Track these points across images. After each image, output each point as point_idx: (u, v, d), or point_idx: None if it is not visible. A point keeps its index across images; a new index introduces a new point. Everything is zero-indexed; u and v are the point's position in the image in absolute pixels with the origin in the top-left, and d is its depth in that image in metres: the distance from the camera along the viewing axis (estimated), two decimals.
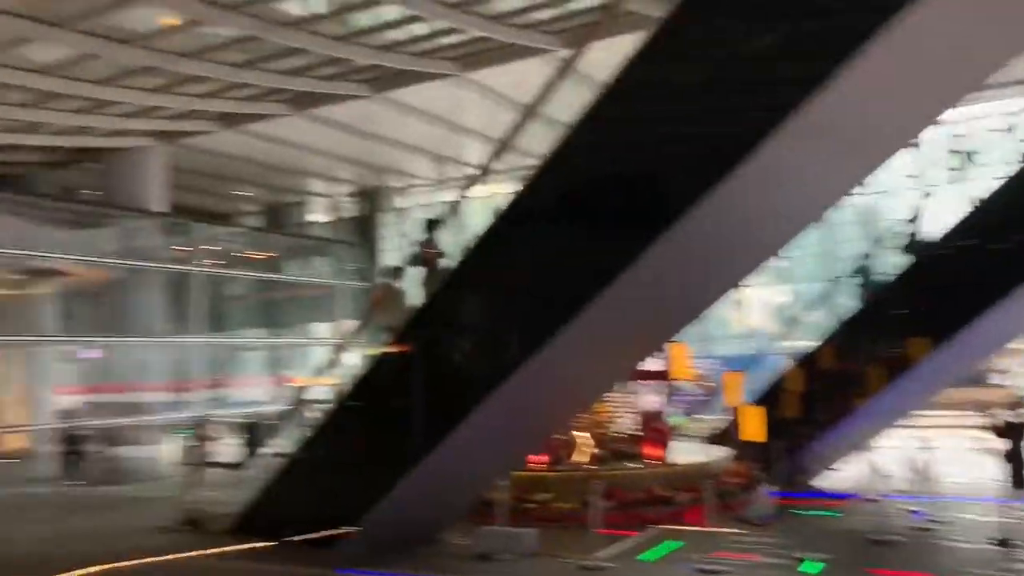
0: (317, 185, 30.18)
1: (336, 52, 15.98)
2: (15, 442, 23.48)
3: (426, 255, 10.25)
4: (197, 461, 13.81)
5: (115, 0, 12.77)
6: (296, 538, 10.79)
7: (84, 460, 22.07)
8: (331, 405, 10.96)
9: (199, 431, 15.44)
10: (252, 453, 12.41)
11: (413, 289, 10.48)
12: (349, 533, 10.13)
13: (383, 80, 18.57)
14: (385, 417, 10.00)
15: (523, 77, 13.37)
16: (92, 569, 9.51)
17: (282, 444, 11.97)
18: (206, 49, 15.20)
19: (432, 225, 10.39)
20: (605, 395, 13.51)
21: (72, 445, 22.99)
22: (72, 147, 21.10)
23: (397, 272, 11.03)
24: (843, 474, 15.02)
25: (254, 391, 27.28)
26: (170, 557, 10.33)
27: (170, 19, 13.83)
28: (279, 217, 31.78)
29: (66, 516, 14.77)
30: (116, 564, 9.84)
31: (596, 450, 12.86)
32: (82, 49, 14.66)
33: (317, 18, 14.59)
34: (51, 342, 24.29)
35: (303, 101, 19.63)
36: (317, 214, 32.70)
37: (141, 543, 11.69)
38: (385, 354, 9.99)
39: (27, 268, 22.76)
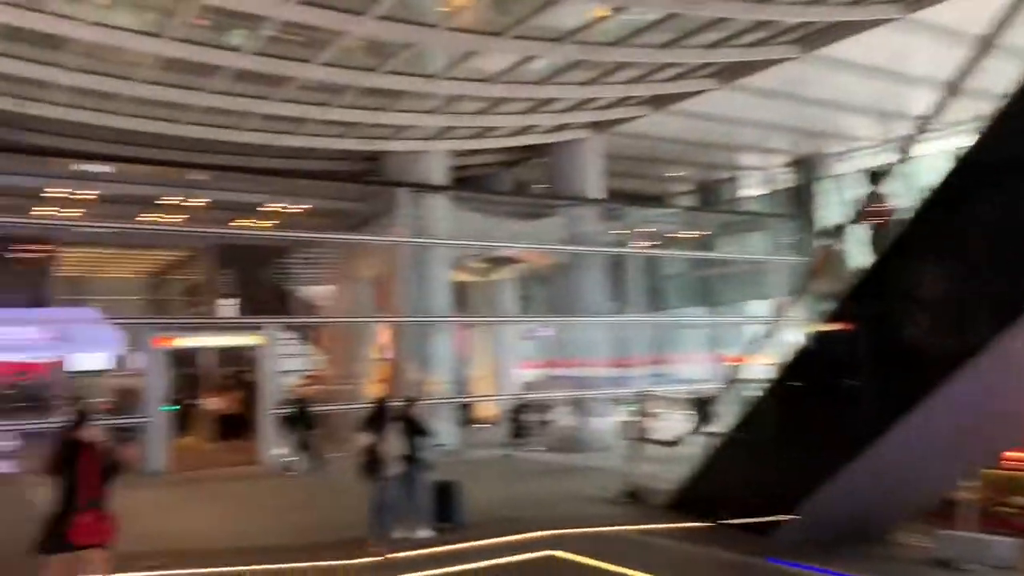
0: (749, 158, 29.38)
1: (760, 15, 15.19)
2: (487, 411, 26.71)
3: (872, 211, 9.08)
4: (637, 436, 14.22)
5: (544, 2, 13.51)
6: (731, 521, 10.56)
7: (539, 429, 24.44)
8: (769, 384, 10.45)
9: (640, 407, 15.94)
10: (696, 430, 12.37)
11: (857, 252, 9.42)
12: (785, 520, 9.56)
13: (813, 37, 17.25)
14: (826, 398, 9.21)
15: (974, 6, 11.30)
16: (538, 534, 10.30)
17: (719, 423, 11.80)
18: (631, 35, 15.49)
19: (877, 177, 9.14)
20: None
21: (524, 414, 25.64)
22: (519, 146, 23.14)
23: (838, 232, 10.05)
24: None
25: (692, 368, 27.57)
26: (608, 528, 10.78)
27: (599, 10, 14.23)
28: (711, 194, 31.59)
29: (522, 479, 16.36)
30: (558, 531, 10.51)
31: None
32: (521, 53, 15.89)
33: None
34: (511, 322, 27.14)
35: (730, 72, 19.11)
36: (750, 188, 31.90)
37: (583, 511, 12.45)
38: (827, 328, 9.17)
39: (490, 257, 25.80)
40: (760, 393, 10.51)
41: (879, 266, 8.79)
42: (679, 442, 12.86)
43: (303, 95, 17.09)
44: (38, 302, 23.64)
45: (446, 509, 10.74)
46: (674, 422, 15.67)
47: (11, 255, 23.68)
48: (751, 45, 17.18)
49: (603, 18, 14.50)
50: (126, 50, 14.71)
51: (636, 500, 13.11)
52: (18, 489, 13.53)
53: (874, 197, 9.09)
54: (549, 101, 19.37)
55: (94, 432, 7.08)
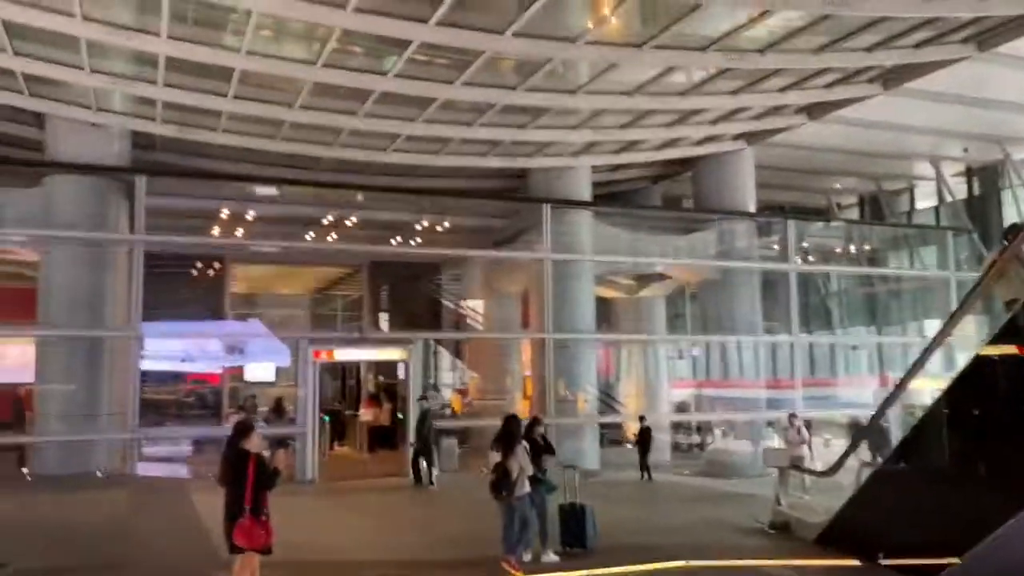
0: (920, 167, 27.40)
1: (927, 12, 14.06)
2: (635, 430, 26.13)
3: None
4: (788, 462, 13.40)
5: (687, 10, 13.09)
6: (886, 561, 9.70)
7: (689, 451, 23.70)
8: (936, 410, 9.51)
9: (792, 431, 15.04)
10: (849, 457, 11.51)
11: None
12: (947, 565, 8.63)
13: (989, 34, 15.82)
14: (1003, 427, 8.24)
15: None
16: (672, 564, 9.81)
17: (878, 451, 10.89)
18: (780, 40, 14.75)
19: None
20: None
21: (676, 436, 24.91)
22: (668, 160, 22.62)
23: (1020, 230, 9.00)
24: None
25: (856, 391, 25.89)
26: (749, 561, 10.13)
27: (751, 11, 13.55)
28: (878, 207, 29.67)
29: (665, 504, 15.80)
30: (695, 561, 9.98)
31: None
32: (664, 64, 15.49)
33: None
34: (660, 340, 26.48)
35: (897, 76, 17.86)
36: (922, 200, 29.73)
37: (725, 541, 11.80)
38: (1003, 348, 8.22)
39: (638, 274, 25.33)
40: (926, 420, 9.57)
41: None
42: (834, 471, 11.96)
43: (446, 115, 17.43)
44: (214, 316, 25.36)
45: (574, 532, 10.45)
46: (830, 448, 14.68)
47: (190, 272, 25.54)
48: (917, 46, 15.96)
49: (750, 24, 13.83)
50: (283, 78, 15.52)
51: (784, 532, 12.34)
52: (188, 495, 14.46)
53: None
54: (696, 112, 18.80)
55: (256, 442, 7.52)
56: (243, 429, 7.65)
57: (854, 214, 30.85)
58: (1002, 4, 14.19)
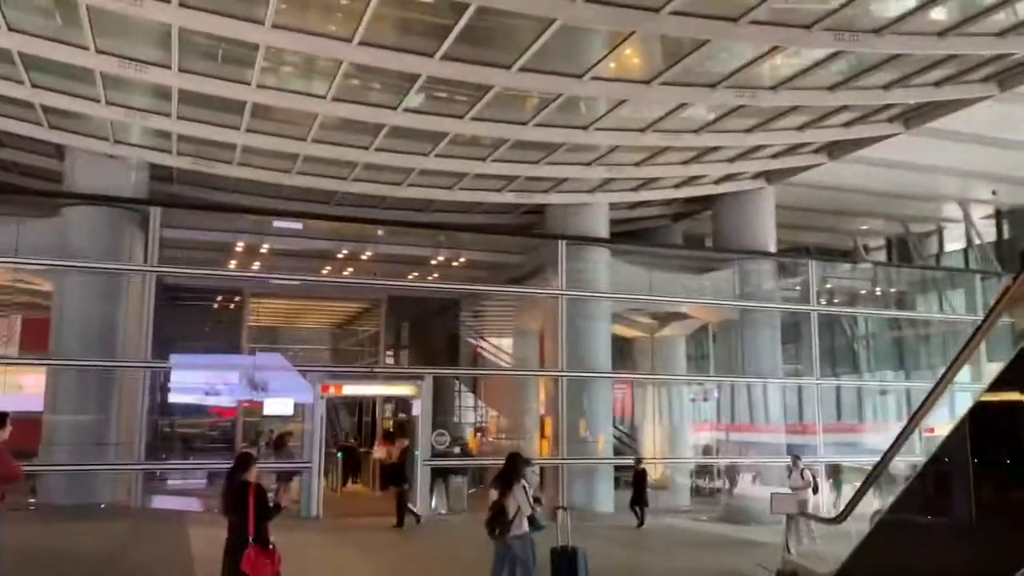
0: (947, 209, 26.83)
1: (943, 49, 13.78)
2: (655, 473, 25.58)
3: None
4: (791, 509, 12.93)
5: (692, 46, 12.98)
6: None
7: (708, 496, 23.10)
8: (937, 457, 9.06)
9: (801, 477, 14.53)
10: (854, 504, 11.02)
11: None
12: None
13: (1011, 73, 15.49)
14: (1002, 479, 7.81)
15: None
16: None
17: (883, 499, 10.40)
18: (793, 76, 14.55)
19: None
20: None
21: (697, 480, 24.32)
22: (687, 198, 22.40)
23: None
24: None
25: (881, 437, 25.14)
26: None
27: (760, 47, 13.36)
28: (906, 249, 29.07)
29: (673, 550, 15.34)
30: None
31: None
32: (676, 100, 15.34)
33: (909, 14, 12.73)
34: (676, 380, 25.99)
35: (919, 115, 17.55)
36: (952, 242, 29.06)
37: None
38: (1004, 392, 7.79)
39: (657, 313, 24.99)
40: (928, 467, 9.11)
41: None
42: (842, 518, 11.45)
43: (458, 150, 17.43)
44: (231, 349, 25.41)
45: None
46: (833, 494, 14.18)
47: (208, 305, 25.70)
48: (937, 84, 15.66)
49: (760, 60, 13.66)
50: (295, 111, 15.62)
51: None
52: (186, 526, 14.31)
53: None
54: (713, 150, 18.60)
55: (257, 473, 7.79)
56: (243, 461, 7.90)
57: (882, 256, 30.27)
58: (1022, 42, 13.87)
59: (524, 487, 9.91)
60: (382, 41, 12.59)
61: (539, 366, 23.76)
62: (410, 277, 23.30)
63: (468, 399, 29.78)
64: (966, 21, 12.94)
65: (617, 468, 23.97)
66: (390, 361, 26.78)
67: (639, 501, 17.96)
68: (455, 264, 22.52)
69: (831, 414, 25.23)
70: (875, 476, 10.65)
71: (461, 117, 15.31)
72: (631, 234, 24.84)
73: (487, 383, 27.40)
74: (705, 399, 26.86)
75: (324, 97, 14.52)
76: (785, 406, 23.61)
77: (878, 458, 10.41)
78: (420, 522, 16.64)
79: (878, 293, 27.45)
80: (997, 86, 15.88)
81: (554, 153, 17.88)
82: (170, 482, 22.10)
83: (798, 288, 23.80)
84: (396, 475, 21.08)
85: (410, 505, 16.75)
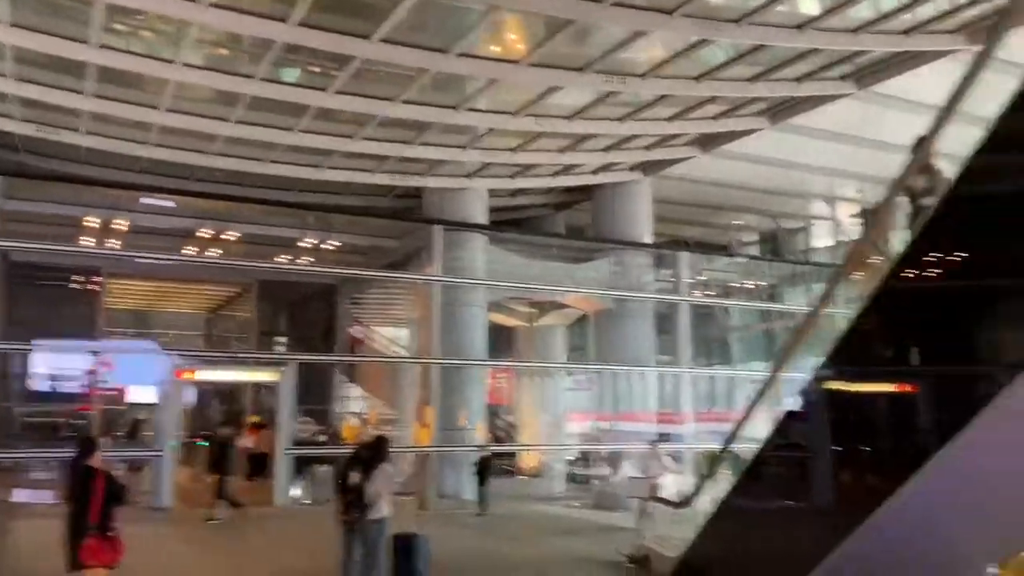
0: (816, 207, 27.82)
1: (800, 42, 14.07)
2: (529, 461, 25.59)
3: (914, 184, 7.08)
4: (643, 494, 13.01)
5: (558, 27, 12.83)
6: None
7: (582, 484, 23.20)
8: (768, 442, 9.16)
9: (653, 462, 14.64)
10: (700, 488, 11.12)
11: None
12: None
13: (868, 72, 16.01)
14: (820, 457, 7.92)
15: None
16: None
17: (723, 485, 10.51)
18: (659, 65, 14.61)
19: (923, 143, 6.89)
20: None
21: (572, 468, 24.43)
22: (567, 187, 22.41)
23: (871, 216, 8.37)
24: None
25: (751, 424, 25.81)
26: None
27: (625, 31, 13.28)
28: (778, 244, 30.01)
29: (535, 537, 15.18)
30: None
31: None
32: (545, 83, 15.19)
33: (769, 4, 12.89)
34: (550, 368, 25.99)
35: (781, 110, 17.96)
36: (820, 239, 30.15)
37: (575, 575, 11.31)
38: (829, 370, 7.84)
39: (536, 302, 24.94)
40: (762, 451, 9.21)
41: (906, 258, 6.92)
42: (689, 502, 11.55)
43: (324, 126, 16.81)
44: (88, 334, 23.97)
45: (403, 565, 9.74)
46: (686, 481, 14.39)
47: (62, 285, 24.10)
48: (798, 80, 16.05)
49: (627, 45, 13.62)
50: (149, 77, 14.70)
51: (643, 565, 11.89)
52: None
53: (919, 165, 6.85)
54: (588, 138, 18.57)
55: (101, 460, 7.76)
56: (87, 447, 7.86)
57: (755, 251, 31.14)
58: (875, 40, 14.31)
59: (387, 471, 9.66)
60: (234, 3, 11.91)
61: (419, 354, 23.34)
62: (280, 261, 22.38)
63: (349, 388, 29.12)
64: (824, 15, 13.25)
65: (496, 457, 23.99)
66: (276, 348, 25.72)
67: (482, 487, 17.74)
68: (326, 247, 21.80)
69: (704, 403, 25.79)
70: (718, 461, 10.78)
71: (323, 90, 14.71)
72: (513, 222, 24.72)
73: (366, 371, 26.76)
74: (582, 388, 27.02)
75: (173, 62, 13.67)
76: (659, 395, 23.98)
77: (748, 445, 10.49)
78: (234, 512, 15.53)
79: (749, 286, 28.21)
80: (854, 83, 16.39)
81: (427, 133, 17.47)
82: (28, 475, 20.59)
83: (673, 280, 24.18)
84: (262, 465, 20.35)
85: (231, 495, 15.60)
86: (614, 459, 21.75)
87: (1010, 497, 6.69)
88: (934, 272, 6.72)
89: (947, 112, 6.64)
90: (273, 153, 18.17)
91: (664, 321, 24.24)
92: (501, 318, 25.34)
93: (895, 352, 7.14)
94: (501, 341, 26.64)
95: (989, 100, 6.04)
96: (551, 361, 25.95)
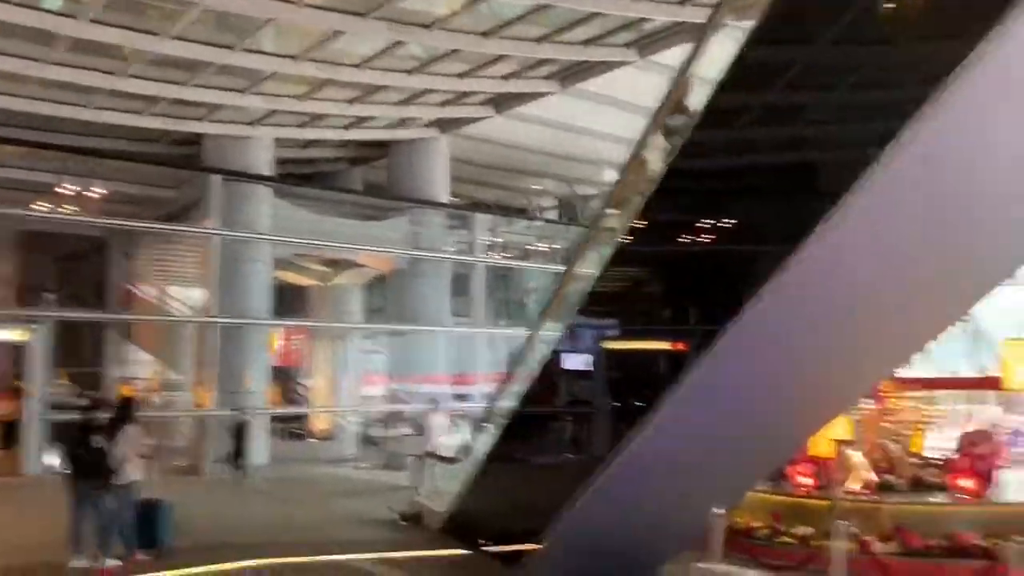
0: (609, 174, 28.72)
1: (586, 6, 14.25)
2: (321, 424, 24.97)
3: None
4: (419, 451, 12.95)
5: None
6: (489, 549, 9.40)
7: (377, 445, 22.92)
8: (517, 400, 9.29)
9: (429, 420, 14.65)
10: (469, 446, 11.15)
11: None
12: (533, 551, 8.37)
13: (650, 40, 16.49)
14: (568, 412, 8.10)
15: None
16: (256, 562, 8.85)
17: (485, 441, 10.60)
18: (447, 17, 14.32)
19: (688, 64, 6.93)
20: (897, 406, 10.33)
21: (366, 430, 24.08)
22: (363, 141, 21.75)
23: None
24: None
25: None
26: (351, 556, 9.45)
27: None
28: (574, 210, 30.79)
29: (314, 499, 14.85)
30: (264, 561, 9.09)
31: (873, 475, 9.69)
32: (327, 26, 14.50)
33: None
34: (343, 328, 25.34)
35: (570, 74, 18.19)
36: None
37: (350, 536, 11.10)
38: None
39: (329, 259, 24.14)
40: (514, 410, 9.32)
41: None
42: (459, 459, 11.59)
43: (84, 60, 15.21)
44: None
45: (146, 532, 9.09)
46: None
47: None
48: (584, 43, 16.29)
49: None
50: None
51: (416, 523, 11.85)
52: None
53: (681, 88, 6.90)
54: (379, 90, 17.98)
55: None
56: None
57: (554, 216, 31.81)
58: (655, 9, 14.72)
59: (132, 433, 9.00)
60: None
61: (202, 312, 21.96)
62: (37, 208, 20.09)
63: (126, 350, 27.04)
64: None
65: (282, 420, 23.21)
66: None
67: (239, 452, 17.00)
68: (90, 195, 19.84)
69: (501, 364, 26.11)
70: (485, 418, 10.84)
71: (74, 17, 13.23)
72: (306, 176, 23.74)
73: (145, 332, 24.88)
74: (378, 350, 26.62)
75: None
76: (454, 356, 24.05)
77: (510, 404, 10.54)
78: None
79: (545, 249, 28.77)
80: (637, 52, 16.84)
81: (202, 74, 16.23)
82: None
83: (470, 241, 24.21)
84: (11, 432, 18.51)
85: None
86: (410, 421, 21.59)
87: (726, 449, 7.07)
88: (655, 236, 6.94)
89: (683, 72, 6.83)
90: (26, 88, 16.24)
91: (461, 282, 24.28)
92: (293, 276, 24.40)
93: (623, 312, 7.37)
94: (295, 300, 25.70)
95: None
96: (346, 322, 25.29)
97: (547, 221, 30.09)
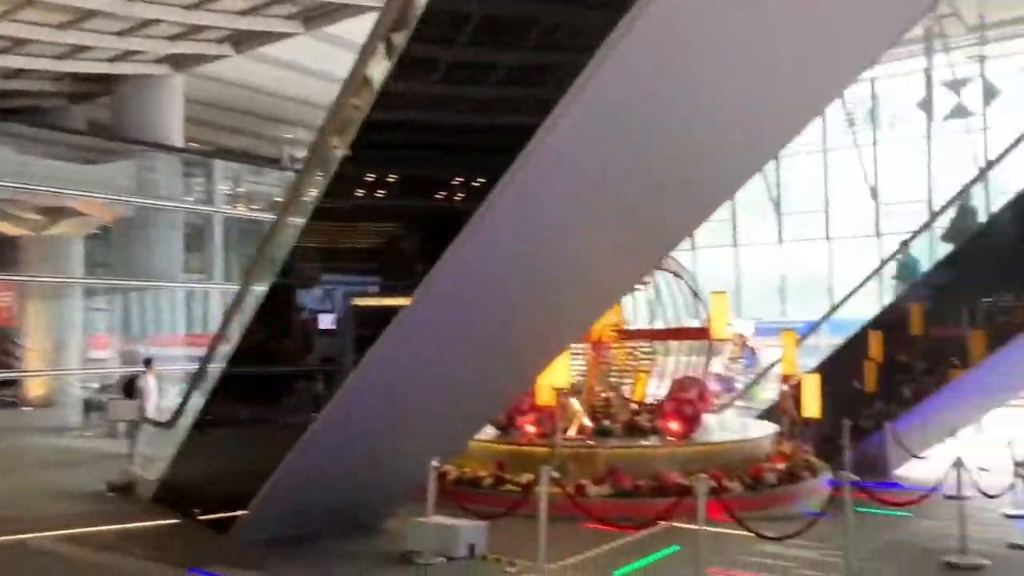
0: None
1: None
2: (39, 390, 22.52)
3: None
4: (132, 416, 11.90)
5: None
6: (202, 517, 8.79)
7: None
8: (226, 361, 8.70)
9: (138, 383, 13.54)
10: (182, 409, 10.30)
11: None
12: (239, 517, 7.90)
13: None
14: (277, 372, 7.67)
15: None
16: None
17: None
18: None
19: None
20: (614, 355, 10.89)
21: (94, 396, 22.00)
22: (85, 75, 19.48)
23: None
24: (927, 464, 11.72)
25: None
26: (51, 532, 8.48)
27: None
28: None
29: (27, 471, 13.33)
30: None
31: (588, 422, 10.15)
32: None
33: None
34: (57, 282, 22.81)
35: (315, 15, 17.30)
36: None
37: (49, 510, 9.97)
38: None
39: (42, 206, 21.52)
40: (223, 370, 8.73)
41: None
42: (172, 423, 10.72)
43: None
44: None
45: None
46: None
47: None
48: None
49: None
50: None
51: (126, 493, 10.89)
52: None
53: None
54: (92, 15, 16.04)
55: None
56: None
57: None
58: None
59: None
60: None
61: None
62: None
63: None
64: None
65: None
66: None
67: None
68: None
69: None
70: (198, 379, 10.08)
71: None
72: (14, 111, 20.91)
73: None
74: (105, 308, 24.30)
75: None
76: (192, 315, 22.55)
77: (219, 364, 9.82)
78: None
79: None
80: None
81: None
82: None
83: (209, 190, 22.57)
84: None
85: None
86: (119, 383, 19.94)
87: (439, 400, 6.99)
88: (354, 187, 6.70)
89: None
90: None
91: (198, 235, 22.64)
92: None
93: (327, 266, 7.09)
94: (3, 251, 22.76)
95: None
96: (62, 276, 22.74)
97: (298, 172, 28.77)
